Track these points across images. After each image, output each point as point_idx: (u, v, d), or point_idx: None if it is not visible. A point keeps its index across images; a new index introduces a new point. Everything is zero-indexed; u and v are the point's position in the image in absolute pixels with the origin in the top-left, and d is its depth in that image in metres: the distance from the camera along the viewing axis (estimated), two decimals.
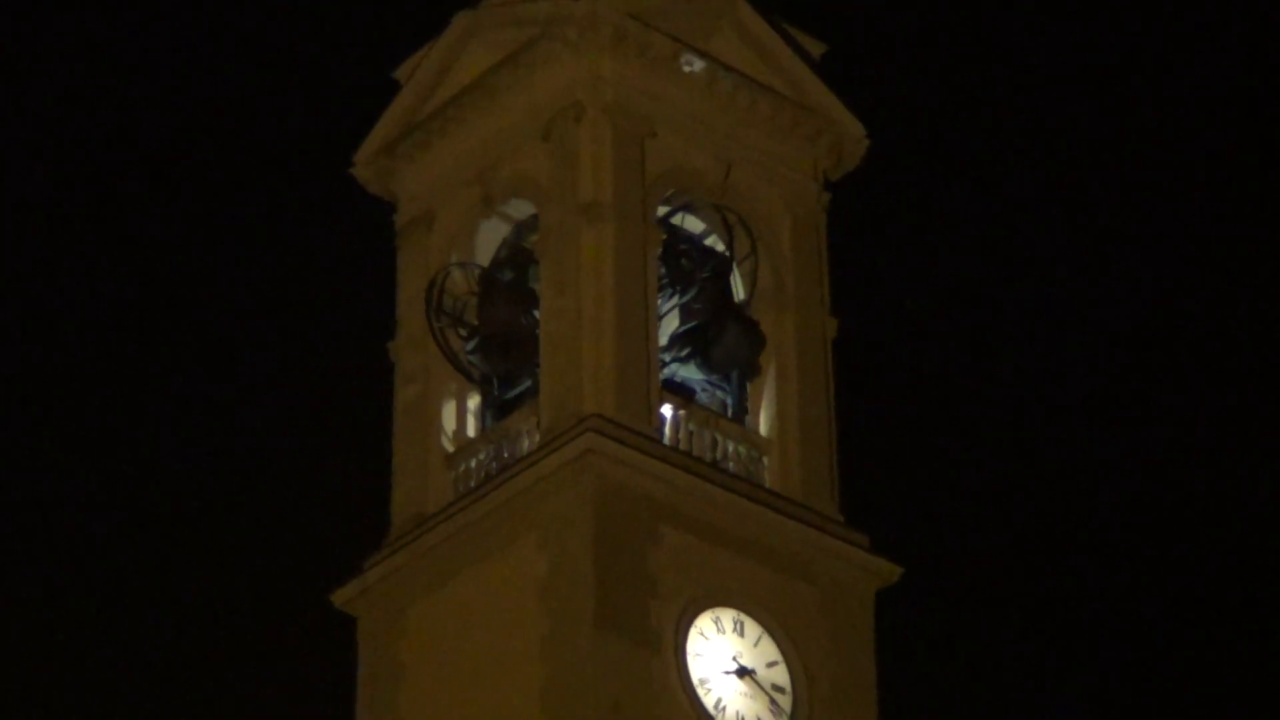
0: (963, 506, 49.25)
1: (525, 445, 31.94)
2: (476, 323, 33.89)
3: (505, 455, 32.26)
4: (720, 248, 34.42)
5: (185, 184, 53.40)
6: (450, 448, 33.31)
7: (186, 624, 46.81)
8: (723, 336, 33.32)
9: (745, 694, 30.62)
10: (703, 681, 30.19)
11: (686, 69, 33.61)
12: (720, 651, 30.60)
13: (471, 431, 33.58)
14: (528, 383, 33.06)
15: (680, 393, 32.73)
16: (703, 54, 33.82)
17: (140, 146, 54.61)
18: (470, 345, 33.86)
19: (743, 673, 30.66)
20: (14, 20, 56.90)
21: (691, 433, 32.08)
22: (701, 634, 30.55)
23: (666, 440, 31.65)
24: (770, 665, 30.88)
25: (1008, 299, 56.29)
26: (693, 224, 34.48)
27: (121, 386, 50.71)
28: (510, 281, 34.16)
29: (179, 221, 52.77)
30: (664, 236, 33.37)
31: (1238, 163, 59.42)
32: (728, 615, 30.91)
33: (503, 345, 33.51)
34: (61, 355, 51.84)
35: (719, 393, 33.41)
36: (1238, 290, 57.98)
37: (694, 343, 33.40)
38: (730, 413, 33.23)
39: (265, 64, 54.97)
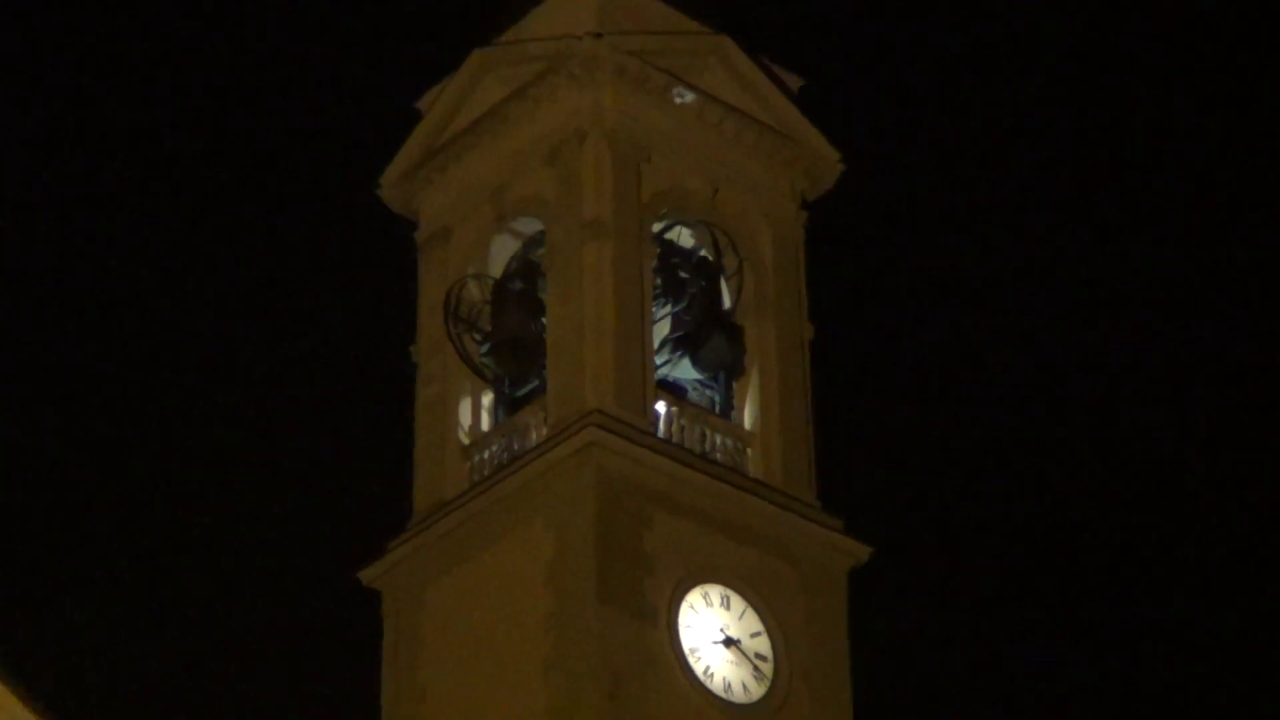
0: (928, 493, 48.88)
1: (533, 438, 31.98)
2: (490, 328, 33.87)
3: (515, 447, 32.34)
4: (709, 260, 34.32)
5: (229, 206, 53.08)
6: (466, 440, 33.30)
7: (230, 598, 46.88)
8: (711, 340, 33.29)
9: (731, 662, 30.67)
10: (693, 651, 30.30)
11: (678, 100, 33.63)
12: (709, 624, 30.69)
13: (485, 426, 33.55)
14: (535, 382, 33.00)
15: (673, 391, 32.77)
16: (693, 87, 33.80)
17: (191, 172, 54.19)
18: (484, 348, 33.82)
19: (729, 643, 30.72)
20: (60, 50, 56.71)
21: (683, 427, 32.15)
22: (692, 608, 30.63)
23: (660, 434, 31.70)
24: (754, 636, 30.96)
25: (970, 305, 56.12)
26: (684, 239, 34.37)
27: (181, 384, 50.66)
28: (520, 291, 33.97)
29: (225, 239, 52.46)
30: (658, 250, 33.46)
31: (1210, 182, 59.30)
32: (715, 591, 30.98)
33: (513, 348, 33.51)
34: (129, 351, 51.69)
35: (708, 391, 33.32)
36: (1195, 291, 57.75)
37: (685, 346, 33.30)
38: (718, 409, 33.17)
39: (301, 96, 54.81)
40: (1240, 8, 59.46)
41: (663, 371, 32.89)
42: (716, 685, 30.43)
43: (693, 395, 33.09)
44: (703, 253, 34.38)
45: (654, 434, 31.56)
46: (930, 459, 51.10)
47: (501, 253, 34.50)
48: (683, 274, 33.86)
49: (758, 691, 30.84)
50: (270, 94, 54.85)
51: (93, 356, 51.20)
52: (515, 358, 33.53)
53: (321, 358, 48.22)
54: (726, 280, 34.05)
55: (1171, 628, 55.61)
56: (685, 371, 33.29)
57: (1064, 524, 54.53)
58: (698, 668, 30.30)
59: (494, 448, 32.84)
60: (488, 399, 33.85)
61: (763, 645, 31.05)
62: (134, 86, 55.78)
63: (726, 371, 33.43)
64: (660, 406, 32.11)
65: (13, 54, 56.10)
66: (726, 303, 33.95)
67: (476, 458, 32.97)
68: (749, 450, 32.78)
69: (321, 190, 46.51)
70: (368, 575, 32.90)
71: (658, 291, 33.22)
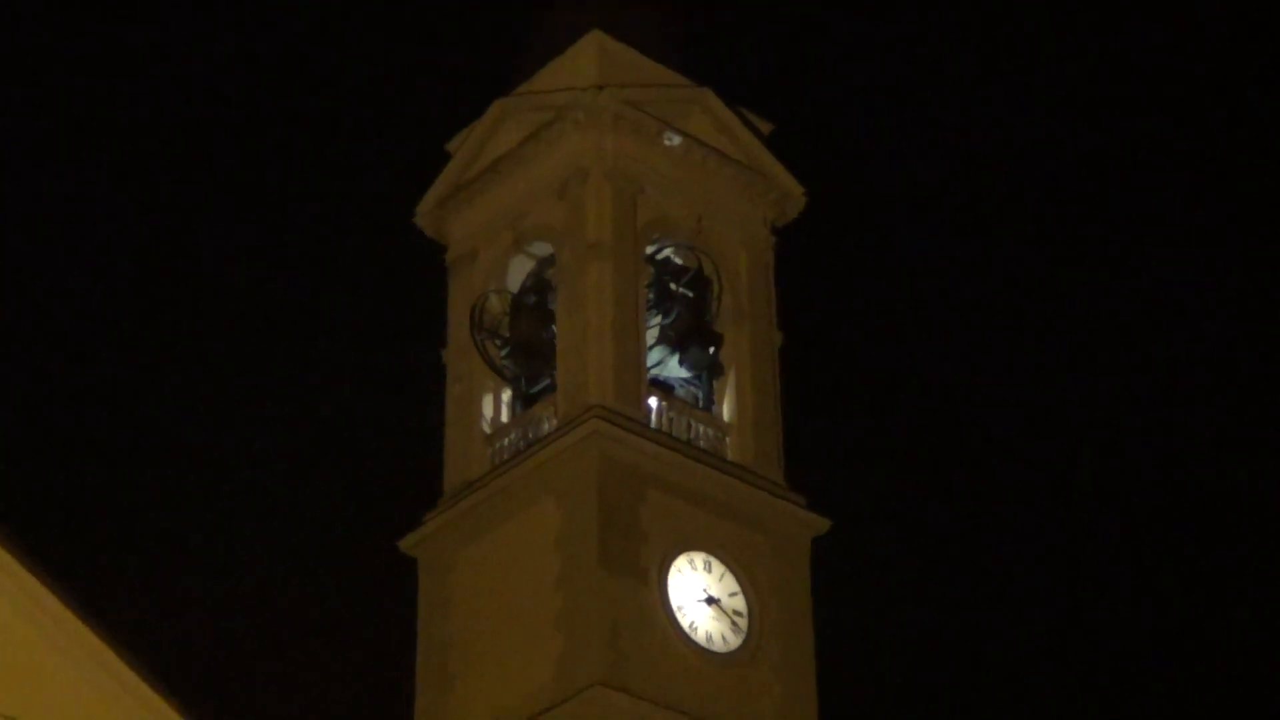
0: (880, 474, 48.37)
1: (545, 428, 31.99)
2: (508, 335, 33.86)
3: (530, 436, 32.34)
4: (694, 277, 34.04)
5: (293, 233, 53.21)
6: (488, 430, 33.21)
7: (294, 562, 46.52)
8: (695, 345, 33.30)
9: (713, 617, 30.73)
10: (680, 608, 30.38)
11: (668, 143, 33.59)
12: (693, 585, 30.75)
13: (504, 418, 33.43)
14: (547, 380, 32.89)
15: (663, 388, 32.70)
16: (680, 132, 33.75)
17: (261, 204, 54.18)
18: (503, 352, 33.83)
19: (711, 601, 30.78)
20: (133, 80, 56.29)
21: (672, 418, 32.11)
22: (679, 571, 30.68)
23: (652, 424, 31.70)
24: (731, 595, 31.03)
25: (917, 313, 55.86)
26: (673, 259, 34.23)
27: (256, 384, 49.99)
28: (534, 304, 33.89)
29: (289, 261, 52.28)
30: (651, 269, 33.40)
31: (1170, 204, 58.80)
32: (699, 557, 31.00)
33: (528, 352, 33.52)
34: (202, 350, 51.58)
35: (692, 388, 33.26)
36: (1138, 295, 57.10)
37: (673, 349, 33.30)
38: (701, 403, 33.08)
39: (352, 137, 54.49)
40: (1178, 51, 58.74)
41: (654, 371, 32.82)
42: (700, 637, 30.45)
43: (680, 392, 33.03)
44: (688, 270, 34.15)
45: (647, 424, 31.57)
46: (882, 445, 50.89)
47: (518, 271, 34.41)
48: (671, 289, 33.66)
49: (735, 642, 30.80)
50: (325, 136, 54.67)
51: (178, 356, 51.38)
52: (530, 360, 33.50)
53: (368, 360, 47.71)
54: (708, 294, 33.80)
55: (1109, 588, 55.30)
56: (673, 371, 33.25)
57: (996, 497, 54.52)
58: (684, 622, 30.34)
59: (511, 436, 32.81)
60: (506, 395, 33.74)
61: (739, 603, 31.08)
62: (216, 125, 55.79)
63: (708, 371, 33.35)
64: (652, 401, 32.06)
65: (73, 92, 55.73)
66: (708, 313, 33.69)
67: (497, 444, 32.92)
68: (727, 438, 32.69)
69: (367, 218, 45.80)
70: (406, 544, 32.83)
71: (650, 304, 33.14)
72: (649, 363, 32.72)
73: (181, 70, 56.15)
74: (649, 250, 33.51)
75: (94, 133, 54.63)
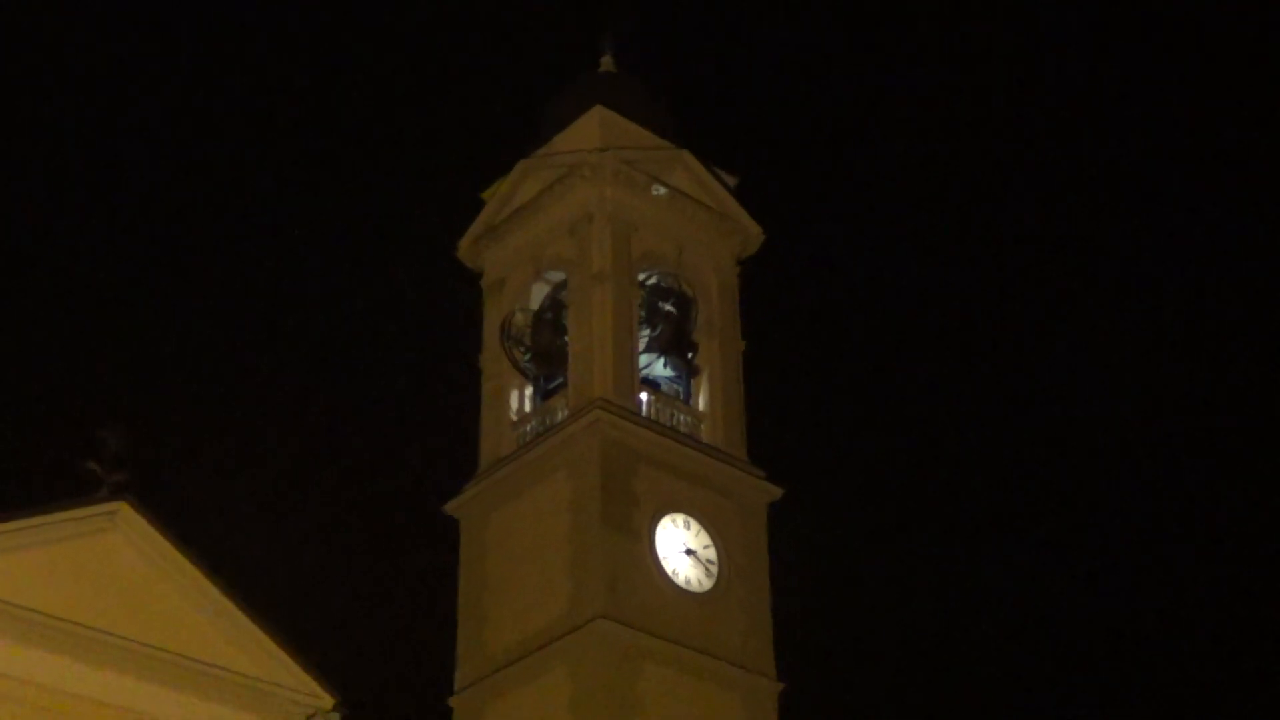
0: (822, 453, 48.10)
1: (559, 416, 31.99)
2: (530, 344, 33.78)
3: (547, 422, 32.33)
4: (677, 298, 33.95)
5: (359, 267, 53.14)
6: (514, 418, 33.28)
7: (362, 522, 46.41)
8: (676, 352, 33.35)
9: (691, 565, 30.84)
10: (665, 558, 30.53)
11: (656, 193, 33.58)
12: (676, 539, 30.86)
13: (527, 408, 33.45)
14: (560, 379, 32.83)
15: (651, 385, 32.70)
16: (665, 184, 33.75)
17: (330, 244, 54.17)
18: (526, 357, 33.78)
19: (689, 552, 30.88)
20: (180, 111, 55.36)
21: (658, 409, 32.16)
22: (664, 529, 30.77)
23: (643, 413, 31.74)
24: (705, 547, 31.10)
25: (856, 327, 55.35)
26: (659, 284, 33.91)
27: (331, 387, 50.02)
28: (551, 319, 33.81)
29: (354, 290, 52.50)
30: (642, 292, 33.32)
31: (1133, 228, 57.45)
32: (680, 518, 31.07)
33: (546, 357, 33.47)
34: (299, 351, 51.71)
35: (675, 385, 33.21)
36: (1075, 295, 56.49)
37: (660, 355, 33.28)
38: (681, 397, 33.03)
39: (407, 190, 54.10)
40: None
41: (645, 372, 32.78)
42: (680, 580, 30.60)
43: (665, 388, 33.02)
44: (671, 293, 33.97)
45: (639, 414, 31.62)
46: (826, 430, 50.35)
47: (538, 294, 34.35)
48: (658, 307, 33.57)
49: (708, 584, 30.89)
50: (390, 188, 54.47)
51: (282, 362, 50.79)
52: (547, 363, 33.47)
53: (420, 364, 47.49)
54: (687, 312, 33.73)
55: (1044, 546, 54.23)
56: (660, 372, 33.25)
57: (920, 469, 53.82)
58: (668, 568, 30.50)
59: (532, 423, 32.83)
60: (528, 391, 33.74)
61: (711, 554, 31.17)
62: (308, 186, 55.02)
63: (687, 372, 33.33)
64: (643, 395, 32.11)
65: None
66: (688, 327, 33.63)
67: (521, 429, 32.98)
68: (702, 424, 32.71)
69: (419, 252, 45.77)
70: (449, 507, 32.81)
71: (641, 319, 33.08)
72: (640, 365, 32.64)
73: (276, 134, 55.98)
74: (640, 277, 33.45)
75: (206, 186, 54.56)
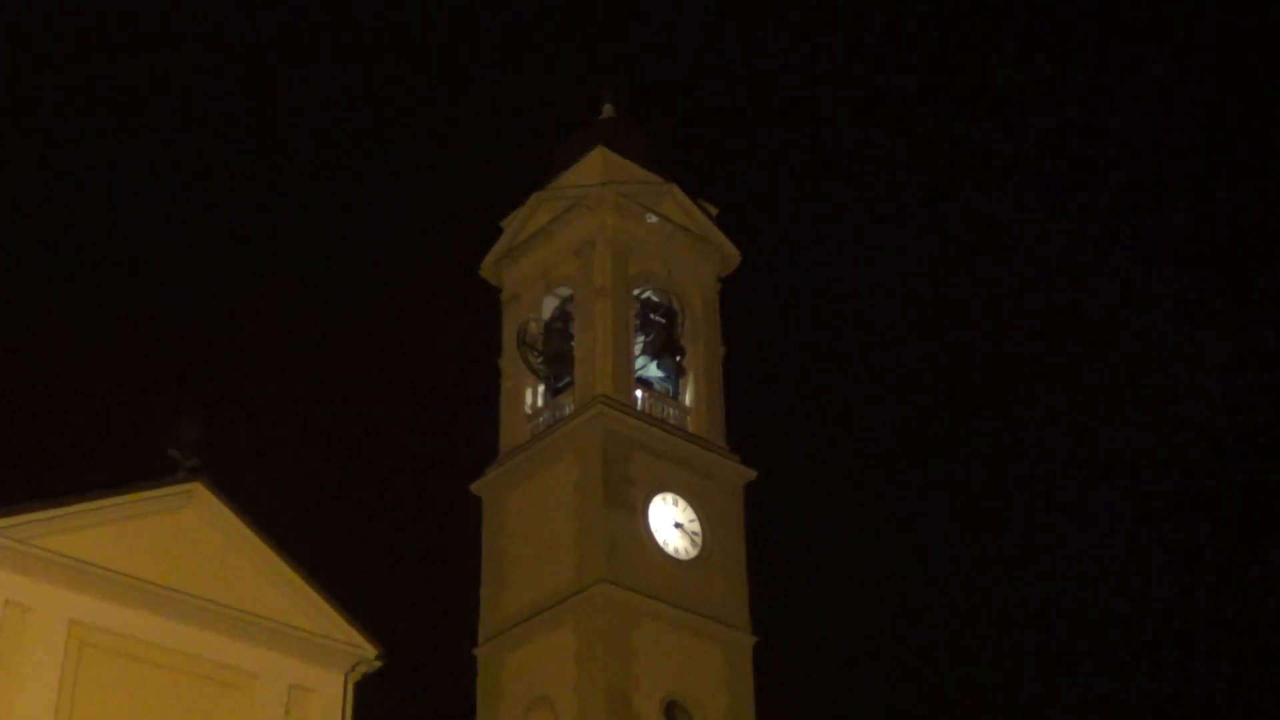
0: (791, 442, 47.75)
1: (567, 410, 31.96)
2: (542, 349, 33.70)
3: (556, 415, 32.31)
4: (666, 310, 33.95)
5: (394, 287, 52.49)
6: (529, 412, 33.23)
7: (401, 500, 46.47)
8: (666, 355, 33.31)
9: (679, 536, 30.85)
10: (657, 530, 30.56)
11: (649, 221, 33.62)
12: (667, 515, 30.91)
13: (539, 403, 33.37)
14: (568, 379, 32.77)
15: (645, 384, 32.69)
16: (657, 213, 33.77)
17: (371, 265, 54.10)
18: (539, 360, 33.70)
19: (677, 525, 30.92)
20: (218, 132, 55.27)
21: (651, 404, 32.15)
22: (656, 506, 30.81)
23: (639, 408, 31.73)
24: (691, 521, 31.15)
25: (821, 334, 55.69)
26: (651, 298, 33.89)
27: (379, 386, 50.12)
28: (560, 328, 33.76)
29: (393, 307, 51.72)
30: (637, 305, 33.32)
31: (1103, 243, 56.91)
32: (670, 496, 31.09)
33: (556, 360, 33.41)
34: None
35: (665, 384, 33.18)
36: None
37: (652, 358, 33.26)
38: (671, 394, 32.99)
39: (441, 219, 53.87)
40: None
41: (640, 373, 32.80)
42: (670, 550, 30.63)
43: (657, 386, 33.00)
44: (662, 306, 33.98)
45: (635, 408, 31.64)
46: (793, 422, 50.55)
47: (549, 306, 34.35)
48: (651, 318, 33.62)
49: (693, 553, 30.91)
50: (424, 218, 54.42)
51: (335, 368, 50.53)
52: (556, 365, 33.41)
53: (450, 365, 47.00)
54: (675, 322, 33.76)
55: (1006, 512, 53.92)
56: (652, 373, 33.24)
57: (880, 455, 54.03)
58: (659, 539, 30.55)
59: (544, 416, 32.81)
60: (541, 389, 33.69)
61: (696, 527, 31.20)
62: (347, 211, 55.54)
63: (675, 373, 33.33)
64: (638, 392, 32.12)
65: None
66: (676, 334, 33.63)
67: (534, 421, 32.95)
68: (688, 417, 32.74)
69: (450, 273, 45.81)
70: (474, 487, 32.80)
71: (636, 328, 33.10)
72: (636, 367, 32.68)
73: (350, 180, 56.26)
74: (635, 292, 33.49)
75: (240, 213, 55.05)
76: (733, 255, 34.91)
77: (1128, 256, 56.79)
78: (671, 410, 32.51)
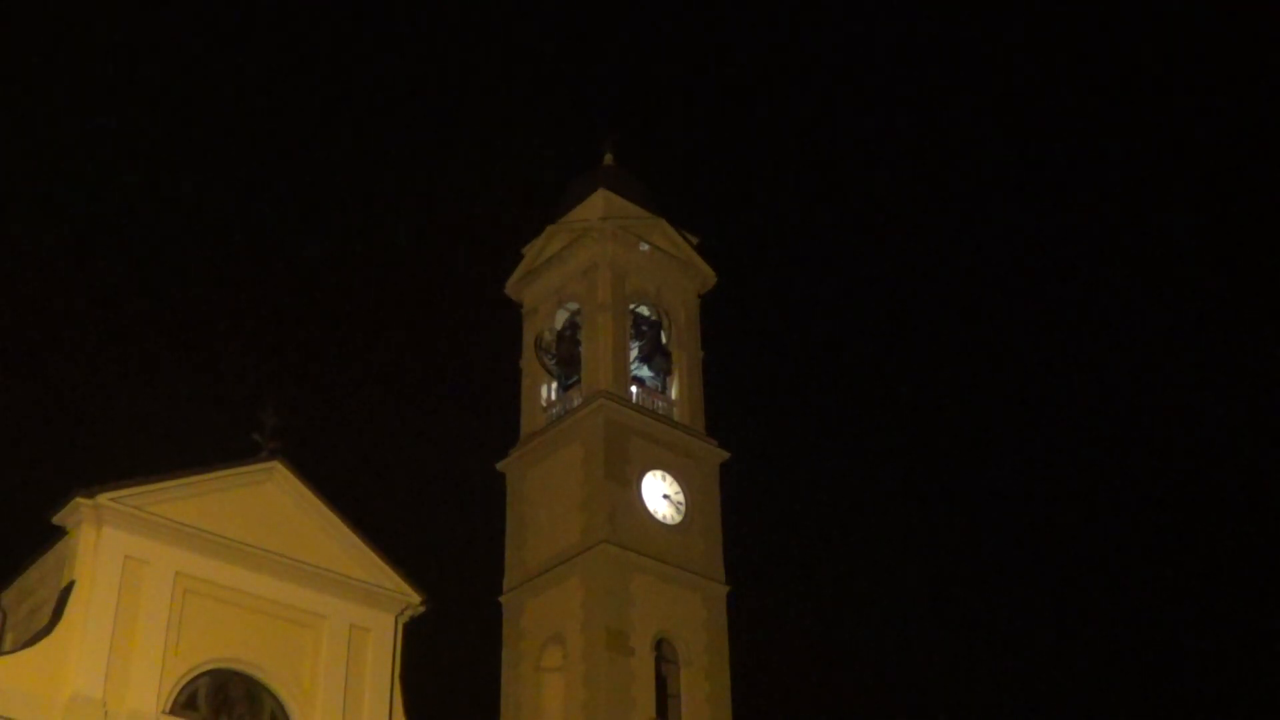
0: (759, 428, 48.33)
1: (575, 403, 31.92)
2: (556, 353, 33.49)
3: (567, 407, 32.24)
4: (656, 322, 33.74)
5: (435, 306, 52.57)
6: (544, 404, 33.09)
7: (439, 479, 46.63)
8: (656, 358, 33.25)
9: (667, 505, 30.86)
10: (649, 500, 30.62)
11: (642, 248, 33.61)
12: (657, 488, 30.92)
13: (553, 397, 33.17)
14: (577, 378, 32.65)
15: (639, 381, 32.60)
16: (649, 242, 33.68)
17: (420, 292, 53.66)
18: (553, 362, 33.50)
19: (666, 497, 30.97)
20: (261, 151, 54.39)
21: (644, 398, 32.12)
22: (649, 481, 30.85)
23: (634, 401, 31.70)
24: (676, 494, 31.20)
25: (789, 339, 55.59)
26: (644, 313, 33.64)
27: (417, 388, 49.99)
28: (570, 336, 33.50)
29: (434, 323, 52.01)
30: (632, 317, 33.18)
31: (1078, 261, 55.53)
32: (659, 472, 31.13)
33: (567, 363, 33.24)
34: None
35: (655, 382, 33.05)
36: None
37: (644, 360, 33.15)
38: (660, 390, 32.88)
39: (470, 247, 54.02)
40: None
41: (635, 373, 32.73)
42: (659, 516, 30.66)
43: (648, 384, 32.93)
44: (652, 318, 33.81)
45: (631, 401, 31.64)
46: (761, 412, 50.58)
47: (561, 318, 34.16)
48: (643, 328, 33.53)
49: (678, 519, 30.93)
50: (459, 248, 54.24)
51: (370, 373, 50.47)
52: (567, 367, 33.23)
53: (479, 367, 47.48)
54: (663, 331, 33.66)
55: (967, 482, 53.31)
56: (645, 373, 33.18)
57: (839, 440, 53.85)
58: (651, 508, 30.63)
59: (557, 407, 32.73)
60: (554, 385, 33.51)
61: (681, 498, 31.25)
62: (380, 233, 54.82)
63: (664, 373, 33.32)
64: (633, 389, 32.14)
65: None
66: (663, 342, 33.58)
67: (549, 412, 32.88)
68: (674, 409, 32.66)
69: (479, 291, 45.32)
70: (500, 465, 32.73)
71: (632, 336, 33.01)
72: (631, 368, 32.68)
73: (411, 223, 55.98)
74: (631, 307, 33.45)
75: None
76: (710, 276, 34.93)
77: (1045, 256, 55.58)
78: (660, 403, 32.58)
